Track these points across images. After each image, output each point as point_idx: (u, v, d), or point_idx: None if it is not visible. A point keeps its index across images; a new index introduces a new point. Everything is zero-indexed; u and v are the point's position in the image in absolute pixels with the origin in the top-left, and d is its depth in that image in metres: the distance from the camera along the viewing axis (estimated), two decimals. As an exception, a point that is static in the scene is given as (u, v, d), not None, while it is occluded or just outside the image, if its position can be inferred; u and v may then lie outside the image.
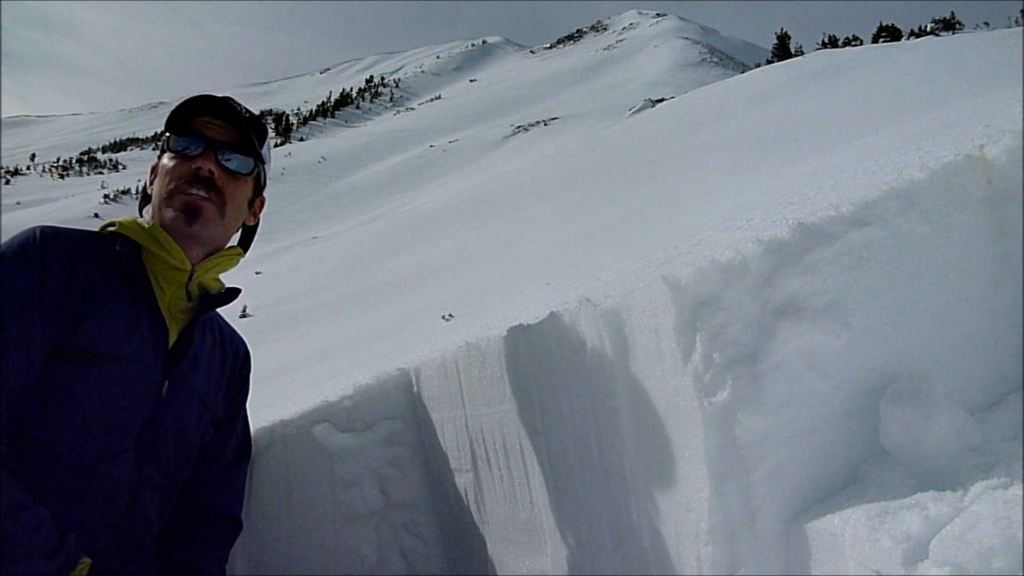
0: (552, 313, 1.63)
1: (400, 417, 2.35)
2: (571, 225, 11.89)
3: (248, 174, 1.65)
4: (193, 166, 1.56)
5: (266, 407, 2.78)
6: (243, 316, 13.81)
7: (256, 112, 1.70)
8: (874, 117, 9.27)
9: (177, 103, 1.66)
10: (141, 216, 1.65)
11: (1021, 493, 0.97)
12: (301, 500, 2.28)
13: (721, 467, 1.19)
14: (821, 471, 1.23)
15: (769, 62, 40.95)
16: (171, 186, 1.57)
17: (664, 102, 40.47)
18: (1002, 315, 1.39)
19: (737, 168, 9.86)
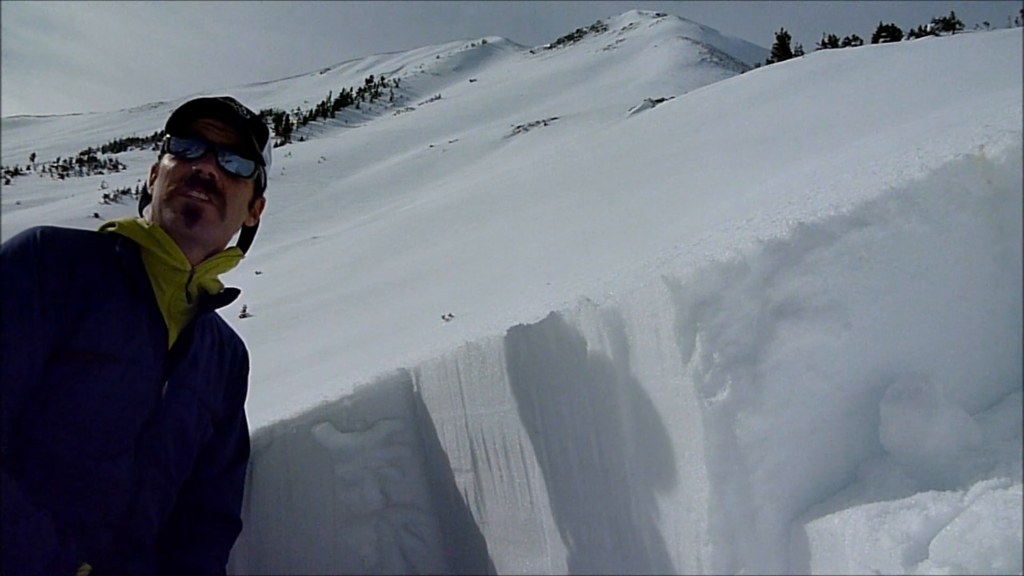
0: (552, 313, 1.63)
1: (400, 417, 2.35)
2: (571, 225, 11.89)
3: (248, 176, 1.66)
4: (194, 168, 1.56)
5: (266, 407, 2.79)
6: (243, 316, 13.81)
7: (256, 112, 1.70)
8: (874, 117, 9.27)
9: (178, 104, 1.66)
10: (141, 216, 1.65)
11: (1021, 493, 0.97)
12: (301, 500, 2.29)
13: (721, 467, 1.19)
14: (821, 471, 1.23)
15: (769, 62, 40.95)
16: (171, 188, 1.57)
17: (664, 102, 40.48)
18: (1002, 315, 1.39)
19: (737, 168, 9.86)
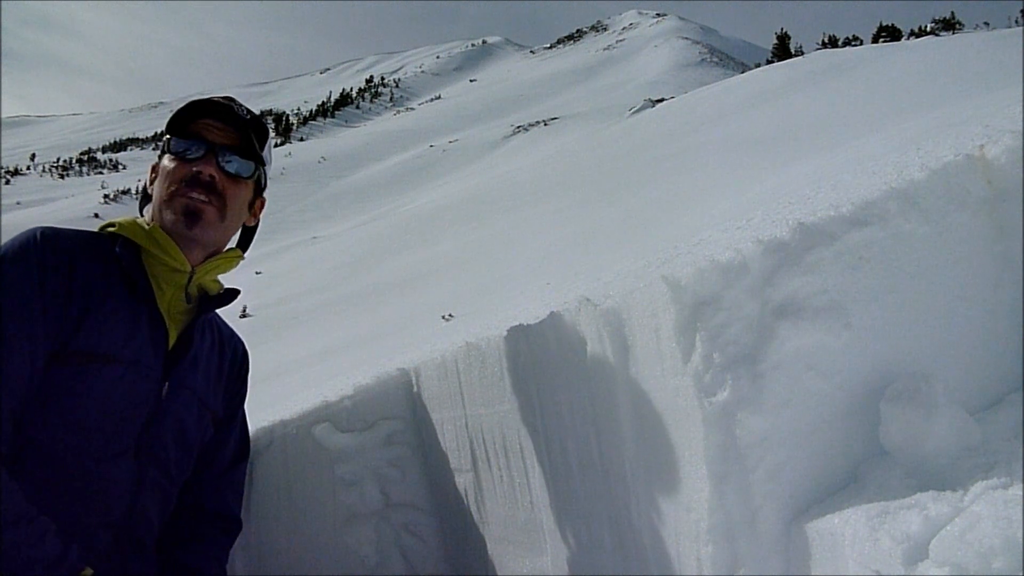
0: (552, 313, 1.63)
1: (400, 417, 2.35)
2: (571, 225, 11.89)
3: (248, 177, 1.66)
4: (194, 169, 1.56)
5: (266, 407, 2.79)
6: (243, 316, 13.81)
7: (256, 112, 1.71)
8: (874, 117, 9.27)
9: (178, 104, 1.66)
10: (141, 216, 1.65)
11: (1021, 493, 0.97)
12: (301, 500, 2.29)
13: (721, 467, 1.19)
14: (821, 471, 1.23)
15: (769, 62, 40.94)
16: (171, 188, 1.57)
17: (664, 102, 40.46)
18: (1002, 315, 1.39)
19: (737, 168, 9.86)
